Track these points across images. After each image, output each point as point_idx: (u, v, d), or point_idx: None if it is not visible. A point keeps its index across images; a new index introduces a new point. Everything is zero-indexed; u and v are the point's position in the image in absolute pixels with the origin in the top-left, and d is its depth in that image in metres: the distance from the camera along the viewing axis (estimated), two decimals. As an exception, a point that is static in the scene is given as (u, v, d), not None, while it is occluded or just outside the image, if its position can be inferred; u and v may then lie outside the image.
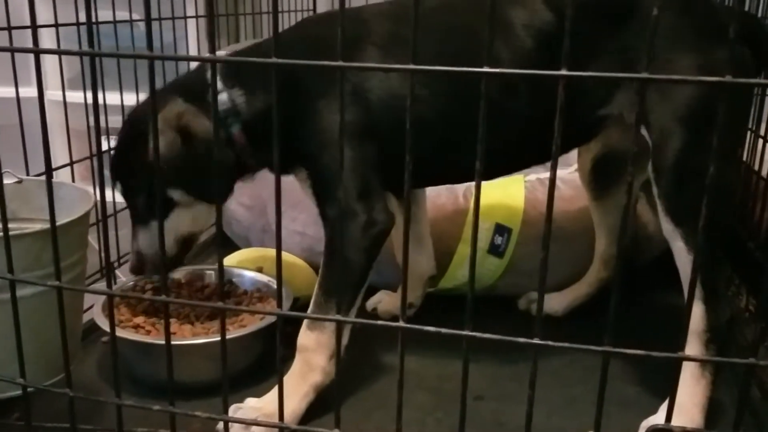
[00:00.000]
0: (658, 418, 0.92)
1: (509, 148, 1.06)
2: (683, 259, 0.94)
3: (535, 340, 0.51)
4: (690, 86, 0.93)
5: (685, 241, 0.92)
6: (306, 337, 1.00)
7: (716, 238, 0.95)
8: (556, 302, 1.35)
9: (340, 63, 0.50)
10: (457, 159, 1.05)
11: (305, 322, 1.01)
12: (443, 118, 1.02)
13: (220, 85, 1.04)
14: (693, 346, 0.94)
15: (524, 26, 0.99)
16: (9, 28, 1.09)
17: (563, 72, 0.47)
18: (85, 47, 0.56)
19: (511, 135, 1.03)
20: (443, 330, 0.52)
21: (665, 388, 0.57)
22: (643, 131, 0.96)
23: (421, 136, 1.02)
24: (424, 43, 1.02)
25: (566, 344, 0.51)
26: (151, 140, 0.94)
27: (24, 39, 1.04)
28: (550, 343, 0.51)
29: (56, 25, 1.25)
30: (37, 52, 0.57)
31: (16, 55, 1.10)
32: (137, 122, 1.04)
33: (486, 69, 0.48)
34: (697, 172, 0.91)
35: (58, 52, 0.63)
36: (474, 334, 0.51)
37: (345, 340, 1.00)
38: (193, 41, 2.10)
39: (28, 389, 0.68)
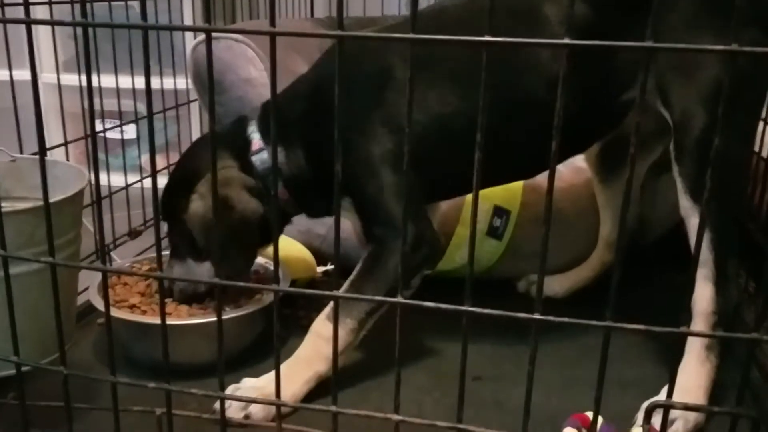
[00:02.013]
0: (660, 399, 0.91)
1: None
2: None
3: (536, 316, 0.50)
4: (713, 68, 0.94)
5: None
6: (324, 326, 1.01)
7: (732, 218, 0.95)
8: (557, 284, 1.34)
9: (338, 33, 0.49)
10: (504, 164, 1.08)
11: (326, 311, 1.02)
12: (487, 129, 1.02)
13: (260, 143, 1.08)
14: (699, 327, 0.94)
15: (561, 22, 0.98)
16: (2, 5, 1.08)
17: (566, 41, 0.46)
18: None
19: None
20: (443, 305, 0.51)
21: (666, 371, 0.57)
22: (663, 112, 0.98)
23: (465, 149, 1.02)
24: (457, 59, 1.02)
25: (567, 319, 0.50)
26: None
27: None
28: (551, 318, 0.50)
29: (50, 2, 1.24)
30: (29, 22, 0.56)
31: (10, 38, 1.09)
32: (185, 176, 1.09)
33: (487, 38, 0.47)
34: (719, 152, 0.91)
35: (51, 23, 0.62)
36: (473, 309, 0.51)
37: (356, 342, 1.01)
38: (189, 20, 2.08)
39: (23, 367, 0.67)
